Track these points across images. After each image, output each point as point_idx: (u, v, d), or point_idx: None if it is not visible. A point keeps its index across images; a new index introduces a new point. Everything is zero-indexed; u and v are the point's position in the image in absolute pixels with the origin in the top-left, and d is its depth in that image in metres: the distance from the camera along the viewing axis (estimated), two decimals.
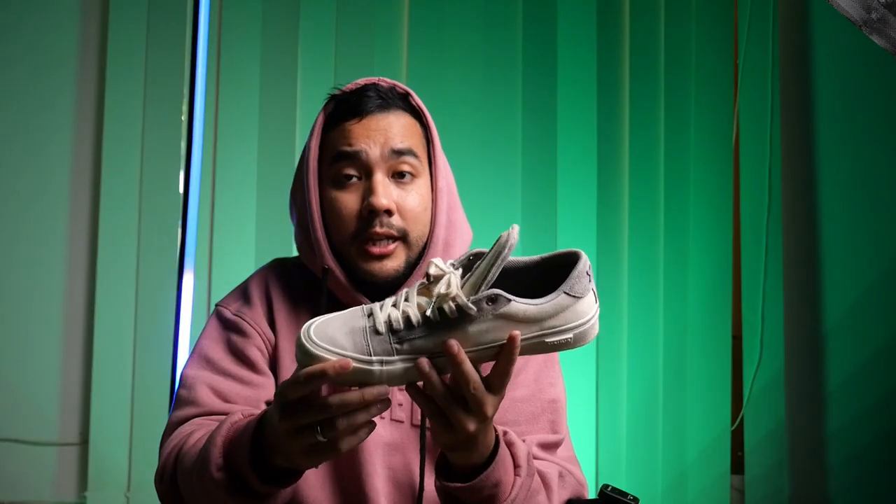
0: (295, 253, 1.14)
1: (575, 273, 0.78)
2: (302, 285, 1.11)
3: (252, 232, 2.18)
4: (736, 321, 2.44)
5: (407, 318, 0.77)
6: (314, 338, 0.76)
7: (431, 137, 1.09)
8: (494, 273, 0.75)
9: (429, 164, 1.08)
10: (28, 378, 2.17)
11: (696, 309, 2.38)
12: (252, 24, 2.22)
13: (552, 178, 2.31)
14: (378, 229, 1.01)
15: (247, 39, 2.22)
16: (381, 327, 0.77)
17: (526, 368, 1.09)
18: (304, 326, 0.78)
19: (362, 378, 0.77)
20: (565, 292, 0.77)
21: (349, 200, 1.03)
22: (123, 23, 2.20)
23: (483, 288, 0.75)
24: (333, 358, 0.75)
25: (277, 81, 2.21)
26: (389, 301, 0.80)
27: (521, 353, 0.77)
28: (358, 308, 0.81)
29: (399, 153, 1.03)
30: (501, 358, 0.77)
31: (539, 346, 0.78)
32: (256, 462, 0.84)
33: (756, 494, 2.41)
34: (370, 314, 0.79)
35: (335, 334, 0.77)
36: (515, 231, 0.76)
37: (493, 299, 0.75)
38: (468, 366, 0.76)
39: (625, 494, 0.99)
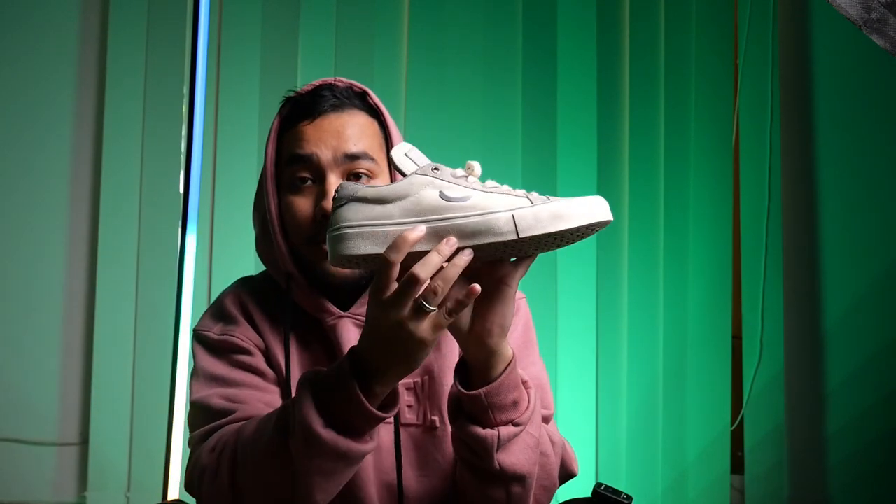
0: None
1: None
2: (272, 297, 1.10)
3: (252, 232, 2.17)
4: (736, 321, 2.44)
5: None
6: None
7: (390, 136, 1.06)
8: None
9: (389, 163, 1.05)
10: (28, 378, 2.17)
11: (696, 309, 2.38)
12: (252, 24, 2.22)
13: (552, 178, 2.31)
14: None
15: (247, 39, 2.22)
16: None
17: None
18: None
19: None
20: None
21: (303, 204, 1.02)
22: (123, 23, 2.20)
23: None
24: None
25: (277, 81, 2.21)
26: None
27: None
28: None
29: (353, 157, 1.01)
30: None
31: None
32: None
33: (756, 494, 2.40)
34: None
35: None
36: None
37: None
38: None
39: (618, 493, 0.99)
